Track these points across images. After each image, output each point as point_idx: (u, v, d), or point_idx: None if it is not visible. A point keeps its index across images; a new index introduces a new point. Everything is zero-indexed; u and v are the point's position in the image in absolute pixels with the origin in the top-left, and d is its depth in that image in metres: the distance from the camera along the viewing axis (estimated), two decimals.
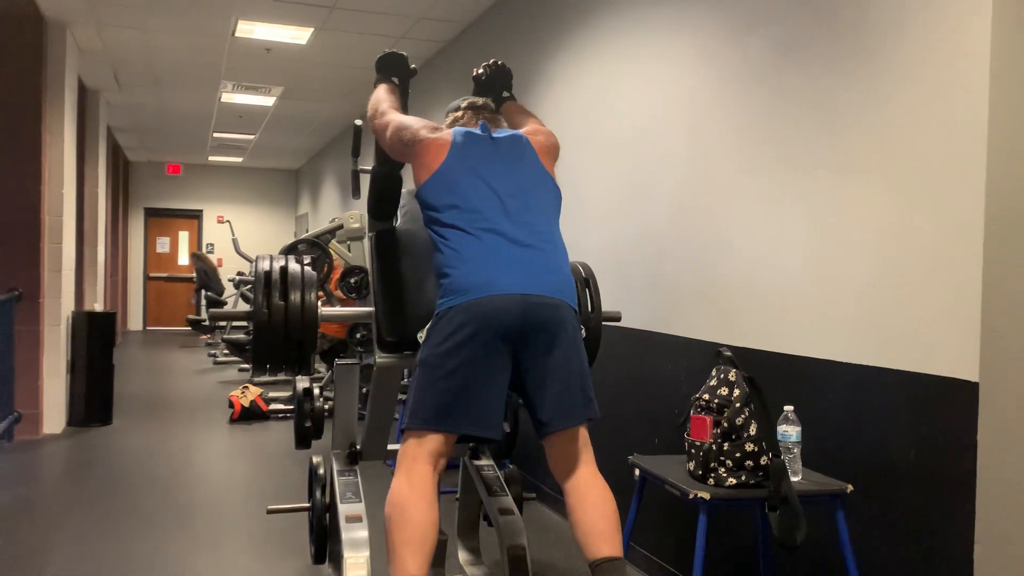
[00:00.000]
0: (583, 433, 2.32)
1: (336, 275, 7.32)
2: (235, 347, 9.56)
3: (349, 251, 7.43)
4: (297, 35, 6.43)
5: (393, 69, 2.88)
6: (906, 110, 2.33)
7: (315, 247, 7.14)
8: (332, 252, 7.30)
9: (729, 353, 2.36)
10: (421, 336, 2.33)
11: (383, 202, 3.04)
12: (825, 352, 2.59)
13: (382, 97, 2.75)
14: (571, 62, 4.46)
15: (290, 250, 7.15)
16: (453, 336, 2.21)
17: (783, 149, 2.84)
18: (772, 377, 2.70)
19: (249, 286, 11.40)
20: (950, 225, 2.18)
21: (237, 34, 6.43)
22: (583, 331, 2.56)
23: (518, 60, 4.85)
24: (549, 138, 2.63)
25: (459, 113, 2.69)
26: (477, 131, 2.52)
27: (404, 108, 2.82)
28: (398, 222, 3.15)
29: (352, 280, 7.22)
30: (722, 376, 2.35)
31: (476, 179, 2.39)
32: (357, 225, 7.36)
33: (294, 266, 2.84)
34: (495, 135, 2.53)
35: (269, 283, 2.75)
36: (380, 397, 3.05)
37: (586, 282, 2.95)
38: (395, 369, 2.97)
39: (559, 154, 2.69)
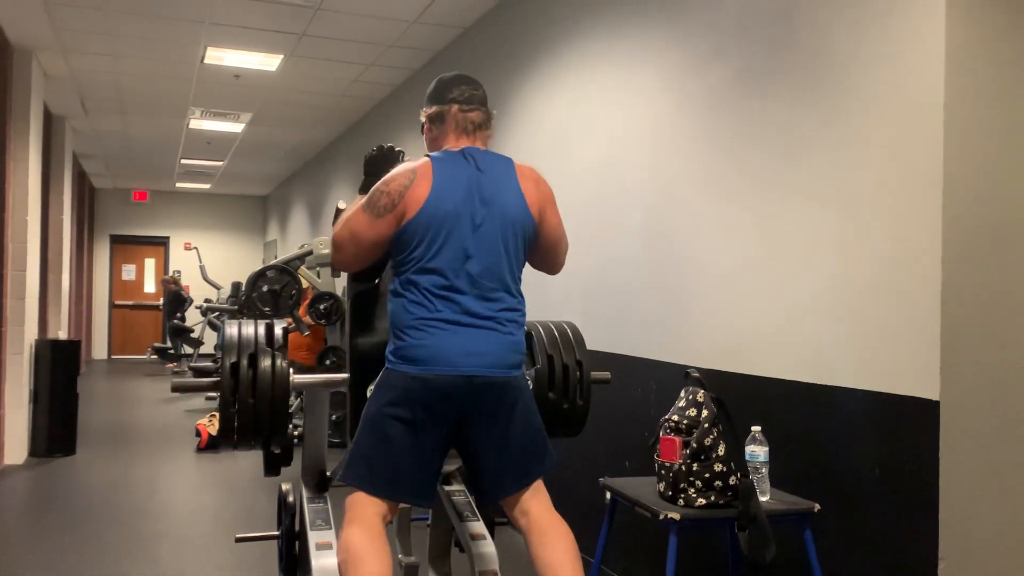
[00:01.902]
0: (533, 484, 2.27)
1: (306, 300, 7.31)
2: (202, 375, 9.46)
3: (319, 277, 7.41)
4: (267, 62, 6.44)
5: (385, 166, 2.50)
6: (863, 135, 2.40)
7: (284, 273, 7.13)
8: (301, 278, 7.28)
9: (697, 374, 2.39)
10: (370, 390, 2.29)
11: (364, 269, 2.87)
12: (789, 373, 2.63)
13: (344, 222, 2.37)
14: (538, 91, 4.52)
15: (259, 276, 7.13)
16: (396, 404, 2.17)
17: (745, 174, 2.89)
18: (739, 398, 2.73)
19: (216, 313, 11.32)
20: (908, 246, 2.23)
21: (206, 61, 6.43)
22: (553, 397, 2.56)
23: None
24: (538, 180, 2.37)
25: (443, 107, 2.32)
26: (462, 158, 2.27)
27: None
28: (378, 281, 3.11)
29: (322, 306, 7.23)
30: (690, 397, 2.38)
31: (446, 231, 2.21)
32: (327, 251, 7.35)
33: (264, 330, 2.77)
34: (482, 167, 2.27)
35: (238, 349, 2.66)
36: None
37: (565, 369, 2.70)
38: None
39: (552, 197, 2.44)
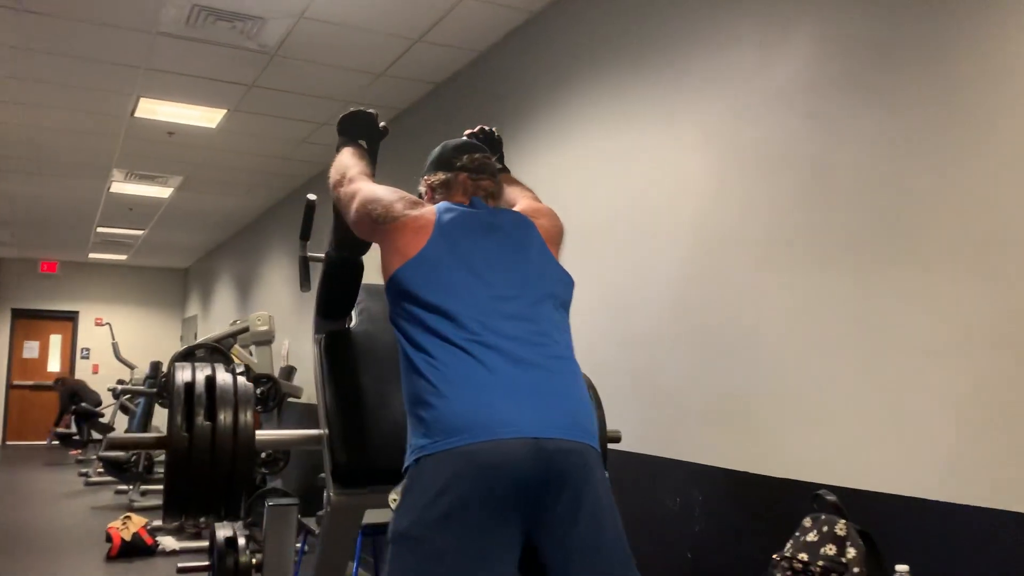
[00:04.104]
0: None
1: None
2: (112, 466, 8.41)
3: (253, 357, 6.66)
4: (206, 117, 5.80)
5: (360, 130, 2.31)
6: (990, 181, 1.93)
7: (216, 353, 6.36)
8: (235, 358, 6.53)
9: (833, 498, 1.82)
10: (393, 498, 1.69)
11: (338, 296, 2.44)
12: (911, 488, 2.09)
13: (348, 162, 2.17)
14: (540, 143, 4.01)
15: (186, 355, 6.32)
16: (442, 498, 1.58)
17: (829, 239, 2.40)
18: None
19: (129, 395, 10.29)
20: None
21: (137, 114, 5.75)
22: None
23: None
24: (553, 220, 2.09)
25: (450, 175, 2.02)
26: (468, 207, 1.95)
27: (372, 177, 2.25)
28: (353, 322, 2.54)
29: (258, 391, 6.46)
30: (824, 529, 1.81)
31: (467, 273, 1.82)
32: (264, 328, 6.63)
33: (224, 376, 2.19)
34: (493, 213, 1.97)
35: (191, 399, 2.09)
36: (333, 546, 2.36)
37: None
38: (353, 510, 2.30)
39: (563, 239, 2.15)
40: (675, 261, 2.99)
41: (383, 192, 1.96)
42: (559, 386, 1.73)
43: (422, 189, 2.08)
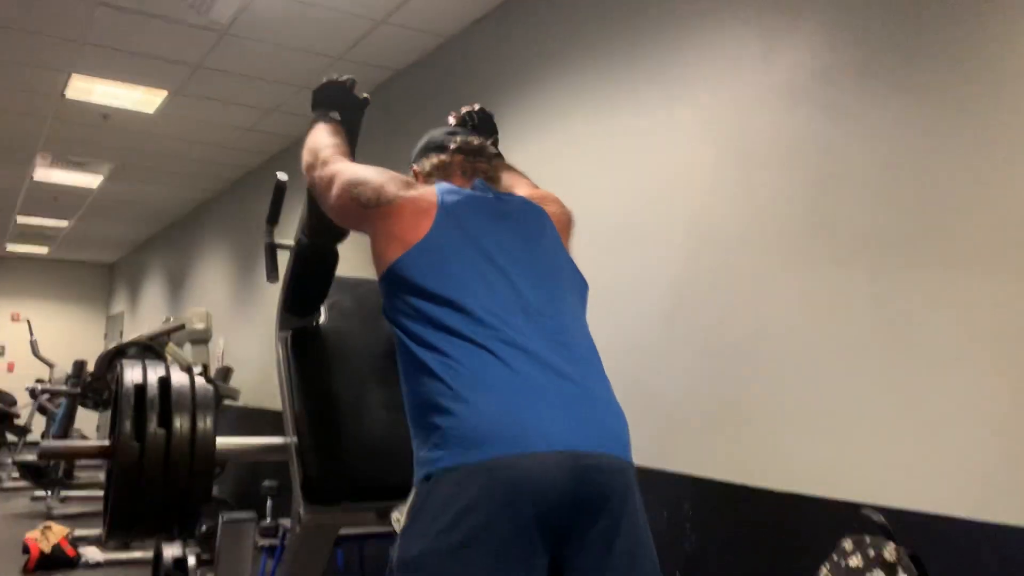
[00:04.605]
0: None
1: None
2: (29, 471, 7.89)
3: (191, 357, 6.28)
4: (145, 100, 5.43)
5: (336, 102, 2.06)
6: None
7: (149, 352, 5.98)
8: (169, 357, 6.15)
9: (882, 519, 1.65)
10: (397, 518, 1.47)
11: (310, 289, 2.19)
12: (936, 504, 1.94)
13: (323, 141, 1.92)
14: (514, 135, 3.78)
15: (117, 354, 5.92)
16: (462, 522, 1.36)
17: (847, 237, 2.25)
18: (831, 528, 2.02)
19: (50, 396, 9.70)
20: None
21: (68, 94, 5.35)
22: None
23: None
24: (563, 208, 1.88)
25: (444, 157, 1.82)
26: (473, 191, 1.74)
27: (352, 156, 2.00)
28: (322, 318, 2.30)
29: None
30: (870, 553, 1.64)
31: (479, 262, 1.60)
32: (202, 326, 6.27)
33: (180, 377, 1.93)
34: (501, 198, 1.74)
35: (143, 403, 1.83)
36: (303, 569, 2.11)
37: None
38: (326, 530, 2.05)
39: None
40: (669, 260, 2.81)
41: (369, 172, 1.73)
42: (594, 392, 1.53)
43: (422, 169, 1.86)
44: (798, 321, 2.36)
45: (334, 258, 2.13)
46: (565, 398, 1.47)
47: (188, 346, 6.50)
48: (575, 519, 1.40)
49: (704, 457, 2.58)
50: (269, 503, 4.81)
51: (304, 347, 2.17)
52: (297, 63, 4.69)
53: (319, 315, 2.28)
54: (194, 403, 1.89)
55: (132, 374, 1.90)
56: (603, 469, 1.44)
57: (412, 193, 1.65)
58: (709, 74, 2.73)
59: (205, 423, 1.88)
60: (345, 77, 2.10)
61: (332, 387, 2.12)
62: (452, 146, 1.82)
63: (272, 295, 6.63)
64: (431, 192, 1.66)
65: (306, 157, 1.91)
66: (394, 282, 1.60)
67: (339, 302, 2.30)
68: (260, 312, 6.81)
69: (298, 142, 6.24)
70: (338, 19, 4.10)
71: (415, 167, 1.86)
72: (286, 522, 4.12)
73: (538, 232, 1.72)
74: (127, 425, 1.81)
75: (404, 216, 1.62)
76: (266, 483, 4.87)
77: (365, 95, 2.08)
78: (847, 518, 2.12)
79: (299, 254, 2.11)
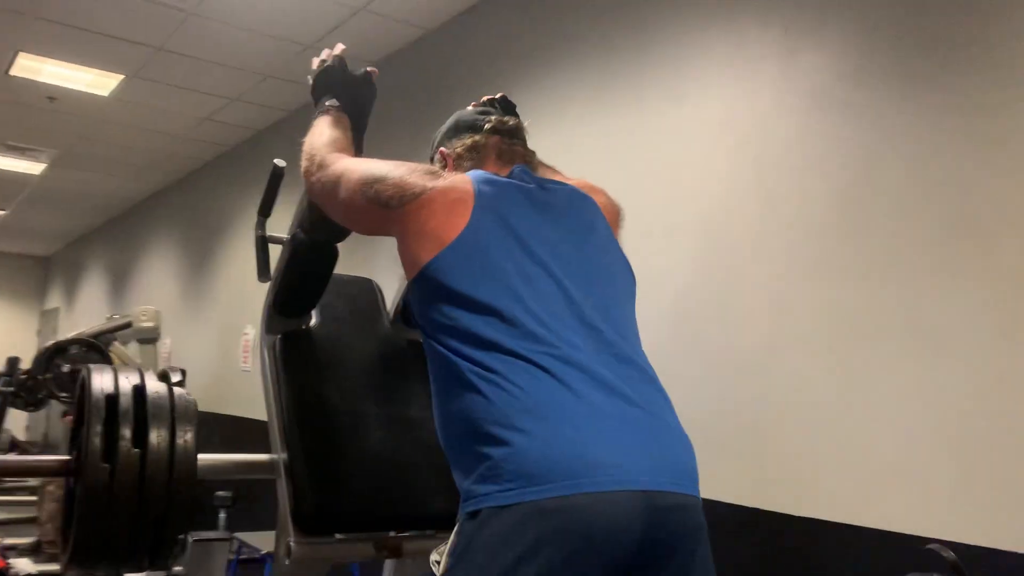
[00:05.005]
0: None
1: None
2: None
3: (137, 357, 5.93)
4: (99, 83, 5.10)
5: (334, 86, 1.77)
6: None
7: (93, 350, 5.62)
8: (114, 357, 5.80)
9: (953, 556, 1.49)
10: (436, 560, 1.27)
11: (305, 289, 1.97)
12: (981, 536, 1.80)
13: (319, 139, 1.65)
14: None
15: (57, 351, 5.57)
16: (517, 570, 1.16)
17: (866, 247, 2.12)
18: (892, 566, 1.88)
19: None
20: None
21: (13, 72, 4.99)
22: None
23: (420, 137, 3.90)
24: (611, 198, 1.68)
25: (478, 138, 1.59)
26: (513, 179, 1.52)
27: (360, 146, 1.78)
28: (313, 322, 2.08)
29: None
30: None
31: (526, 262, 1.39)
32: (151, 324, 5.93)
33: (157, 387, 1.70)
34: (544, 186, 1.53)
35: (114, 417, 1.60)
36: None
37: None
38: (319, 564, 1.83)
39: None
40: (677, 268, 2.65)
41: (383, 167, 1.48)
42: (663, 419, 1.34)
43: (440, 163, 1.63)
44: (820, 334, 2.22)
45: (333, 257, 1.91)
46: (633, 426, 1.29)
47: (134, 345, 6.15)
48: (645, 564, 1.22)
49: (717, 479, 2.42)
50: (222, 515, 4.52)
51: (295, 353, 1.95)
52: (266, 50, 4.42)
53: (310, 317, 2.06)
54: (173, 417, 1.66)
55: (101, 381, 1.65)
56: (678, 509, 1.26)
57: (442, 183, 1.43)
58: (724, 73, 2.58)
59: (186, 441, 1.65)
60: (337, 49, 1.81)
61: (327, 399, 1.90)
62: (487, 126, 1.60)
63: (226, 295, 6.35)
64: (464, 180, 1.45)
65: (303, 161, 1.65)
66: (428, 287, 1.39)
67: (331, 303, 2.09)
68: (212, 312, 6.49)
69: (257, 136, 5.99)
70: (314, 4, 3.87)
71: (443, 149, 1.63)
72: (246, 538, 3.85)
73: (589, 226, 1.52)
74: (96, 442, 1.57)
75: (435, 210, 1.40)
76: (219, 493, 4.58)
77: (367, 68, 1.80)
78: (878, 547, 1.99)
79: (295, 251, 1.89)
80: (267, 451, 1.90)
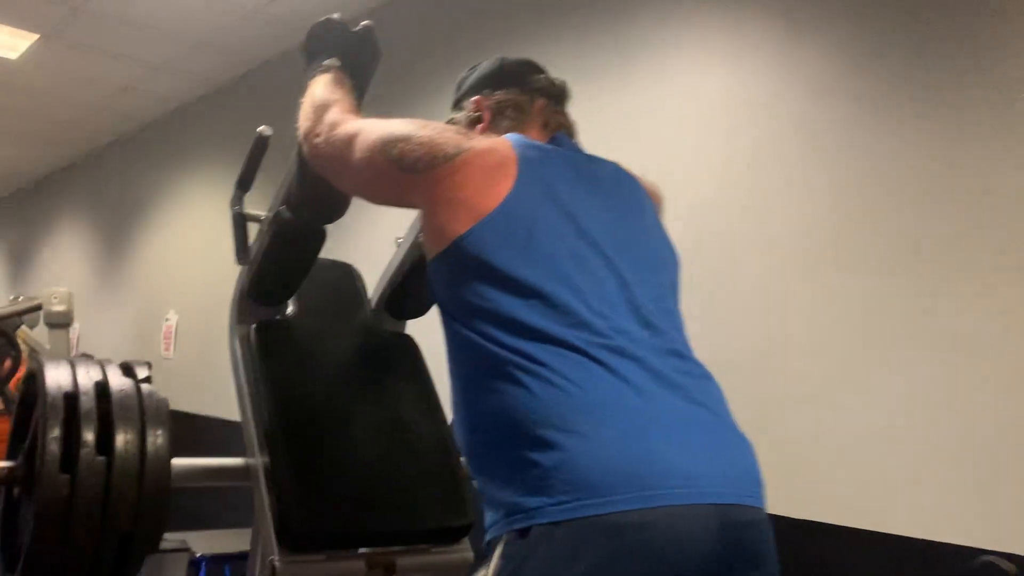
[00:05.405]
0: None
1: (20, 373, 5.37)
2: None
3: (47, 343, 5.49)
4: (8, 44, 4.66)
5: (333, 45, 1.55)
6: None
7: None
8: (22, 343, 5.37)
9: (1011, 566, 1.39)
10: None
11: (287, 273, 1.75)
12: (1001, 541, 1.74)
13: (325, 96, 1.43)
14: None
15: None
16: None
17: (890, 241, 2.03)
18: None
19: None
20: None
21: None
22: None
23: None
24: (652, 183, 1.50)
25: (523, 97, 1.41)
26: (559, 147, 1.35)
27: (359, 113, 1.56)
28: (290, 309, 1.87)
29: None
30: None
31: (577, 239, 1.22)
32: (63, 308, 5.49)
33: (122, 383, 1.48)
34: (591, 159, 1.37)
35: (74, 420, 1.37)
36: None
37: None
38: None
39: None
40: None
41: (409, 125, 1.27)
42: (727, 421, 1.20)
43: (471, 114, 1.43)
44: (824, 333, 2.13)
45: (320, 239, 1.70)
46: (701, 429, 1.14)
47: (42, 329, 5.71)
48: None
49: None
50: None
51: (273, 345, 1.73)
52: (201, 14, 4.09)
53: (286, 306, 1.84)
54: (143, 419, 1.43)
55: (58, 377, 1.41)
56: (753, 528, 1.11)
57: (480, 144, 1.23)
58: (717, 53, 2.46)
59: (157, 446, 1.42)
60: (335, 15, 1.60)
61: (312, 399, 1.69)
62: (535, 83, 1.41)
63: (145, 279, 5.95)
64: (504, 143, 1.25)
65: (303, 122, 1.42)
66: (459, 263, 1.20)
67: (308, 290, 1.87)
68: (127, 296, 6.09)
69: (180, 110, 5.61)
70: None
71: (479, 98, 1.43)
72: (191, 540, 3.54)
73: (638, 207, 1.36)
74: (53, 448, 1.33)
75: (471, 175, 1.20)
76: None
77: (365, 23, 1.58)
78: (895, 552, 1.91)
79: (278, 231, 1.66)
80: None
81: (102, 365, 1.49)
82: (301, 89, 1.50)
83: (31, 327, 5.68)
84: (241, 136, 4.42)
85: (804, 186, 2.22)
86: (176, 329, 5.34)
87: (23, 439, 1.55)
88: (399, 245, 1.91)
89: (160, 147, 5.83)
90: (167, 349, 5.39)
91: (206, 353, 4.85)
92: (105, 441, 1.38)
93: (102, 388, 1.43)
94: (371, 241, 2.69)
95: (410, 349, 1.90)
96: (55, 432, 1.34)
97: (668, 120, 2.57)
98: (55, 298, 5.35)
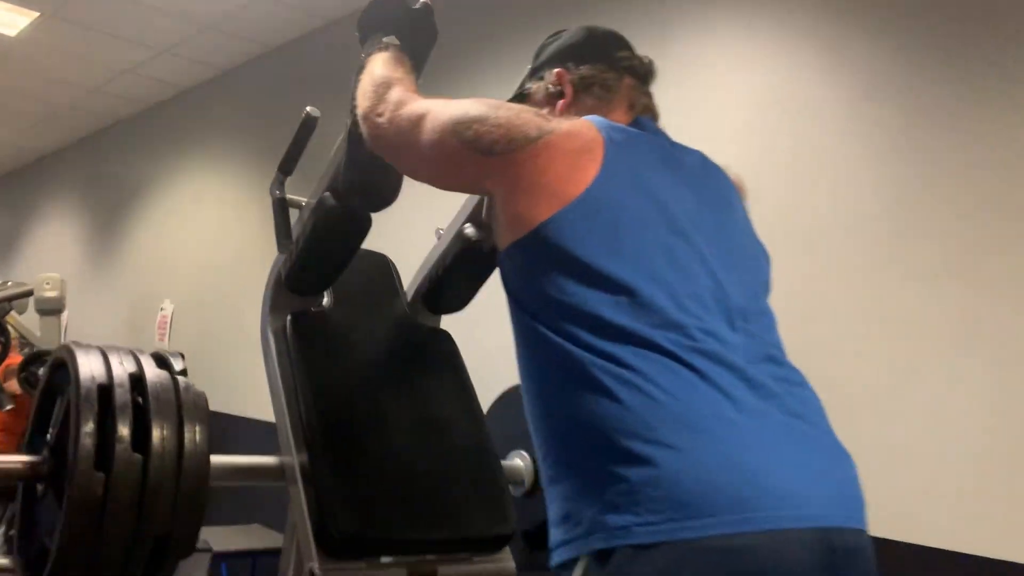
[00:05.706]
0: None
1: (12, 361, 5.21)
2: None
3: (37, 330, 5.35)
4: (7, 20, 4.53)
5: (392, 22, 1.44)
6: None
7: None
8: (12, 329, 5.23)
9: None
10: None
11: (328, 263, 1.66)
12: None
13: (387, 75, 1.32)
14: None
15: None
16: None
17: (935, 244, 1.96)
18: None
19: None
20: None
21: None
22: None
23: None
24: (737, 175, 1.41)
25: (610, 74, 1.30)
26: (647, 133, 1.24)
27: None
28: (325, 300, 1.77)
29: (40, 370, 5.18)
30: None
31: (668, 232, 1.12)
32: (54, 294, 5.35)
33: (157, 374, 1.39)
34: (677, 146, 1.27)
35: (109, 414, 1.28)
36: None
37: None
38: None
39: None
40: None
41: (483, 105, 1.18)
42: (830, 435, 1.11)
43: (552, 88, 1.32)
44: (869, 339, 2.06)
45: (366, 227, 1.60)
46: (803, 444, 1.05)
47: (32, 316, 5.57)
48: None
49: None
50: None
51: (312, 338, 1.64)
52: None
53: (322, 297, 1.75)
54: (180, 414, 1.33)
55: (90, 366, 1.31)
56: (858, 554, 1.03)
57: (563, 126, 1.14)
58: (761, 47, 2.38)
59: (196, 443, 1.33)
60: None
61: (353, 396, 1.60)
62: (624, 61, 1.31)
63: (139, 266, 5.81)
64: (588, 126, 1.15)
65: (363, 101, 1.32)
66: (540, 251, 1.10)
67: (343, 280, 1.77)
68: (120, 284, 5.96)
69: (180, 96, 5.48)
70: None
71: (561, 70, 1.32)
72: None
73: (727, 201, 1.27)
74: (87, 444, 1.23)
75: (554, 159, 1.11)
76: None
77: (424, 0, 1.46)
78: (950, 570, 1.84)
79: (321, 218, 1.57)
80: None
81: (135, 354, 1.39)
82: (357, 66, 1.40)
83: (20, 313, 5.54)
84: (245, 123, 4.28)
85: (848, 185, 2.15)
86: (172, 319, 5.22)
87: (43, 431, 1.45)
88: (440, 237, 1.82)
89: (158, 132, 5.70)
90: (161, 339, 5.26)
91: (204, 345, 4.73)
92: (141, 437, 1.28)
93: (137, 380, 1.33)
94: (406, 231, 2.60)
95: (448, 345, 1.82)
96: (89, 426, 1.24)
97: (705, 112, 2.49)
98: (47, 284, 5.21)
